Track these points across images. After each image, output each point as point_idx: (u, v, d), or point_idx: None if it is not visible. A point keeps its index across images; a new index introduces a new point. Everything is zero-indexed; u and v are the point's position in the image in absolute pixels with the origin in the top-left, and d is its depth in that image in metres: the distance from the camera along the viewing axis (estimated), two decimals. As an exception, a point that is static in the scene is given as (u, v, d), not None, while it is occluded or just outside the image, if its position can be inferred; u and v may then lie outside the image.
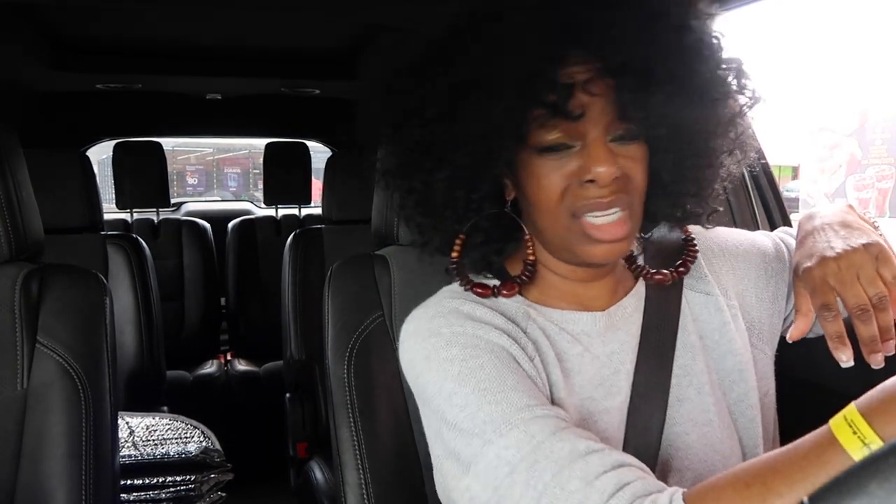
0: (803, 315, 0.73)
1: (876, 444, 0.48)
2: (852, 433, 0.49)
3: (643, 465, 0.59)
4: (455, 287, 0.80)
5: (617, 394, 0.74)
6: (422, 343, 0.72)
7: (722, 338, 0.79)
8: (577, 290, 0.78)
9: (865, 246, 0.71)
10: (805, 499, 0.30)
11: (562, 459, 0.58)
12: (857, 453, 0.49)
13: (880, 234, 0.82)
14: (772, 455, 0.54)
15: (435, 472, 0.79)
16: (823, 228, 0.77)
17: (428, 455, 1.12)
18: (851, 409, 0.51)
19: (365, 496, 1.05)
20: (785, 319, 0.85)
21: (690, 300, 0.80)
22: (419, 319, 0.75)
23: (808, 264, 0.73)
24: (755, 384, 0.79)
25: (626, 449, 0.72)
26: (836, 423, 0.51)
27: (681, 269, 0.79)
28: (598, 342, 0.75)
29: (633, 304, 0.78)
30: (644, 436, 0.73)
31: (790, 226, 1.17)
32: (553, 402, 0.70)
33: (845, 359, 0.68)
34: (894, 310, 0.68)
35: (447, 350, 0.69)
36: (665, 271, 0.79)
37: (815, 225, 0.78)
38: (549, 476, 0.57)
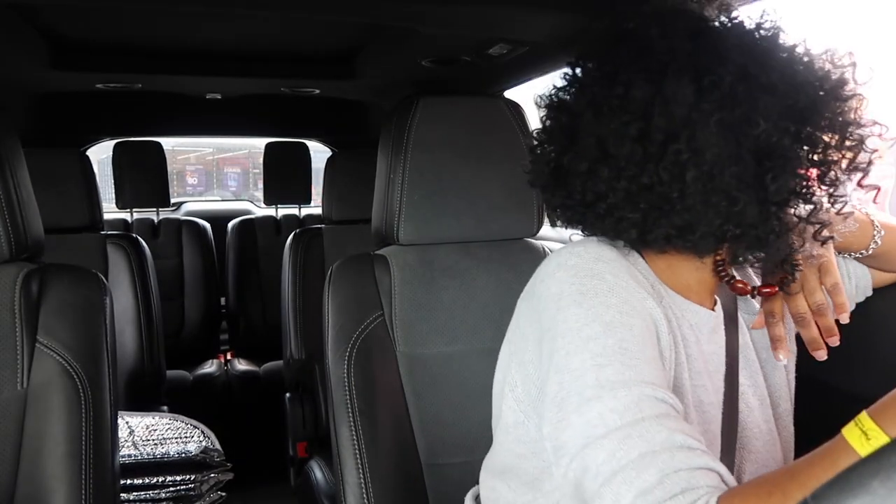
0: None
1: (883, 443, 0.49)
2: (862, 435, 0.50)
3: (725, 471, 0.59)
4: (594, 240, 0.76)
5: (716, 391, 0.77)
6: (581, 279, 0.69)
7: (769, 356, 0.84)
8: (699, 286, 0.78)
9: (812, 258, 0.80)
10: (808, 497, 0.30)
11: (653, 444, 0.58)
12: (866, 453, 0.50)
13: (878, 231, 0.87)
14: (792, 464, 0.55)
15: (511, 410, 0.78)
16: None
17: (428, 453, 1.12)
18: (862, 414, 0.52)
19: (365, 496, 1.05)
20: None
21: (744, 320, 0.85)
22: (580, 256, 0.71)
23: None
24: (793, 400, 0.85)
25: (721, 447, 0.75)
26: (848, 428, 0.52)
27: (765, 289, 0.81)
28: (706, 339, 0.77)
29: (721, 313, 0.81)
30: (728, 437, 0.76)
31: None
32: (675, 381, 0.72)
33: (780, 357, 0.81)
34: (838, 312, 0.80)
35: (607, 297, 0.67)
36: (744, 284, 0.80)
37: None
38: (635, 455, 0.58)
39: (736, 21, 0.72)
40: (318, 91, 2.10)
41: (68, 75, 1.77)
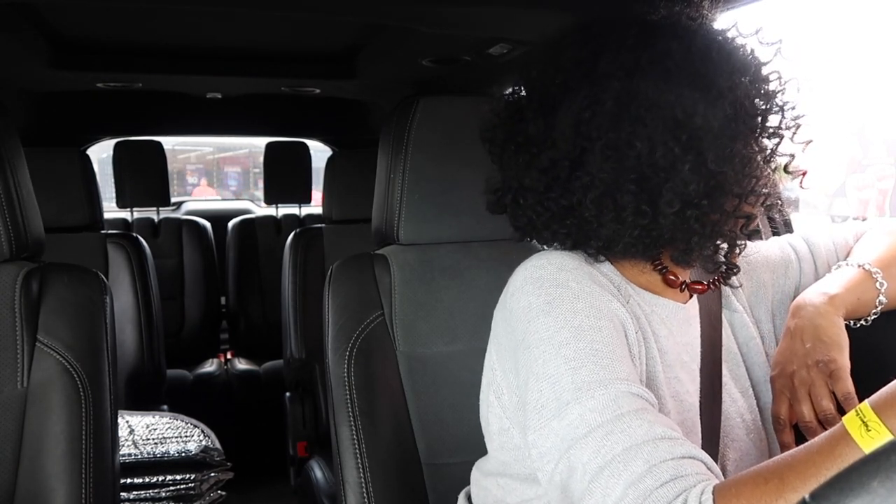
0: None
1: (882, 434, 0.50)
2: (862, 426, 0.51)
3: (708, 459, 0.60)
4: (554, 250, 0.81)
5: (693, 381, 0.78)
6: (547, 290, 0.72)
7: (749, 350, 0.86)
8: (664, 283, 0.81)
9: (822, 364, 0.78)
10: (807, 496, 0.30)
11: (636, 437, 0.60)
12: (866, 443, 0.51)
13: (881, 285, 0.85)
14: (790, 452, 0.56)
15: (497, 416, 0.80)
16: (800, 332, 0.82)
17: (428, 453, 1.12)
18: (864, 404, 0.53)
19: (365, 495, 1.05)
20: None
21: (725, 316, 0.86)
22: (544, 269, 0.75)
23: (774, 373, 0.82)
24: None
25: (701, 435, 0.77)
26: (849, 418, 0.53)
27: (717, 282, 0.83)
28: (678, 331, 0.79)
29: (695, 306, 0.83)
30: (711, 426, 0.78)
31: (789, 225, 1.18)
32: (648, 375, 0.74)
33: None
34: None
35: (573, 303, 0.70)
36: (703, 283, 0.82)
37: (795, 325, 0.83)
38: (620, 449, 0.59)
39: (629, 35, 0.74)
40: (318, 91, 2.10)
41: (68, 75, 1.77)
